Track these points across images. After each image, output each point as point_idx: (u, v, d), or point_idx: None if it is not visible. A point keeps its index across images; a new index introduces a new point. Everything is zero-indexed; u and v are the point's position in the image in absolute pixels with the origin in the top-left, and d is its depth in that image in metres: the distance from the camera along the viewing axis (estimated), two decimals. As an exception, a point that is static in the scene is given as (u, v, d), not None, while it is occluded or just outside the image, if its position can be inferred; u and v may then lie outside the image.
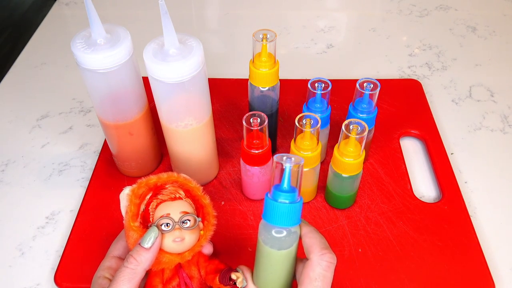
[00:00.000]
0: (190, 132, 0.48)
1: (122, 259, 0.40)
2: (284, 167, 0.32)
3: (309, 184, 0.51)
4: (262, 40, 0.47)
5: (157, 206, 0.38)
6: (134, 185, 0.38)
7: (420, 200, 0.54)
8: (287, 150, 0.59)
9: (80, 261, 0.48)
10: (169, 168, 0.57)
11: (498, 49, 0.78)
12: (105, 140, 0.60)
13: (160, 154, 0.58)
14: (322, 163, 0.56)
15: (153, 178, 0.39)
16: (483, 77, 0.72)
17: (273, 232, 0.33)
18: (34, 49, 0.80)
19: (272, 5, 0.91)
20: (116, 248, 0.40)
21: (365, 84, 0.49)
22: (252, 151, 0.47)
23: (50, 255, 0.50)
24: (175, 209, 0.38)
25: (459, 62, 0.75)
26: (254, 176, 0.50)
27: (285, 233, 0.33)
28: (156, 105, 0.48)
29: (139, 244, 0.36)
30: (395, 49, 0.79)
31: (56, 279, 0.47)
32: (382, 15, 0.87)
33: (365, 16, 0.87)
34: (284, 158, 0.33)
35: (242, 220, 0.52)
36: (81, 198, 0.55)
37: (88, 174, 0.58)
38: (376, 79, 0.49)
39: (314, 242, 0.34)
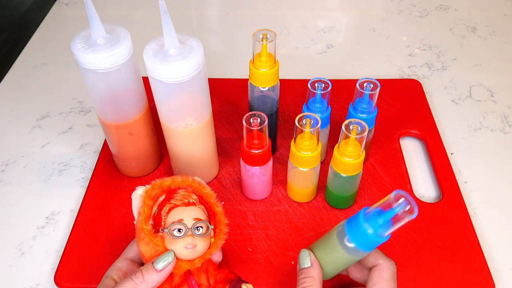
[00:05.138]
0: (190, 132, 0.48)
1: (135, 261, 0.40)
2: (393, 207, 0.33)
3: (309, 184, 0.51)
4: (262, 40, 0.47)
5: (169, 210, 0.38)
6: (148, 186, 0.38)
7: (420, 200, 0.54)
8: (287, 150, 0.59)
9: (80, 261, 0.48)
10: (169, 168, 0.57)
11: (498, 49, 0.78)
12: (105, 140, 0.60)
13: (160, 154, 0.58)
14: (322, 163, 0.56)
15: (167, 181, 0.38)
16: (483, 77, 0.72)
17: (345, 240, 0.37)
18: (34, 49, 0.80)
19: (272, 5, 0.90)
20: (131, 250, 0.40)
21: (365, 84, 0.49)
22: (252, 151, 0.47)
23: (50, 255, 0.50)
24: (188, 215, 0.38)
25: (459, 62, 0.75)
26: (254, 176, 0.50)
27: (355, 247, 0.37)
28: (156, 105, 0.48)
29: (152, 263, 0.36)
30: (395, 49, 0.79)
31: (56, 279, 0.47)
32: (382, 15, 0.87)
33: (365, 16, 0.87)
34: (402, 200, 0.33)
35: (242, 220, 0.52)
36: (81, 198, 0.55)
37: (88, 174, 0.58)
38: (376, 79, 0.49)
39: (379, 251, 0.39)
